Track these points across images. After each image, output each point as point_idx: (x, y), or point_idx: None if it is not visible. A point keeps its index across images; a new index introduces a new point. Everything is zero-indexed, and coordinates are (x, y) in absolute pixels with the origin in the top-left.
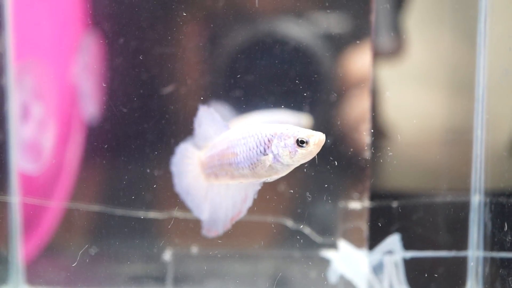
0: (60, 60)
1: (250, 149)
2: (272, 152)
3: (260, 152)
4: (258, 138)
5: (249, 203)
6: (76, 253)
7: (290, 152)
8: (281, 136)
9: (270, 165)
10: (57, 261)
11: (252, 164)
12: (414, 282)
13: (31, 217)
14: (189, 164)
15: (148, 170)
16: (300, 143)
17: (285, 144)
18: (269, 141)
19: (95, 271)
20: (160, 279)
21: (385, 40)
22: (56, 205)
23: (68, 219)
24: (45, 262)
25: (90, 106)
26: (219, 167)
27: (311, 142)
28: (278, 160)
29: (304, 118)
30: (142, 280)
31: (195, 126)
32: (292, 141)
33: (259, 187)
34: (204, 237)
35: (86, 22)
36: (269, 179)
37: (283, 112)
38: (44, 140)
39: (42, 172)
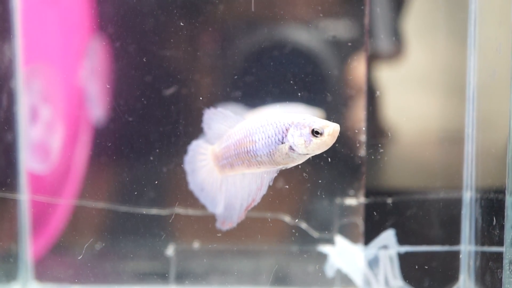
0: (67, 64)
1: (268, 137)
2: (288, 141)
3: (279, 140)
4: (276, 127)
5: (264, 190)
6: (82, 250)
7: (305, 142)
8: (297, 126)
9: (286, 153)
10: (65, 258)
11: (270, 151)
12: (409, 275)
13: (40, 215)
14: (203, 160)
15: (152, 168)
16: (315, 133)
17: (300, 134)
18: (286, 130)
19: (102, 267)
20: (164, 274)
21: (383, 43)
22: (63, 203)
23: (75, 217)
24: (53, 259)
25: (97, 108)
26: (235, 157)
27: (325, 133)
28: (293, 149)
29: (317, 113)
30: (147, 276)
31: (204, 129)
32: (308, 131)
33: (275, 174)
34: (220, 230)
35: (93, 27)
36: (285, 167)
37: (297, 106)
38: (52, 141)
39: (50, 172)
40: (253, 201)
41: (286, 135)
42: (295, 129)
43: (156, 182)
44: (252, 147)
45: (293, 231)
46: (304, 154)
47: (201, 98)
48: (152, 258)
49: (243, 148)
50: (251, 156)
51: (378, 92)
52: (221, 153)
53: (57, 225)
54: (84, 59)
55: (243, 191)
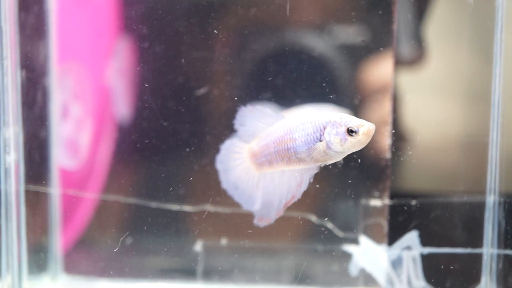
0: (96, 63)
1: (308, 135)
2: (325, 139)
3: (317, 138)
4: (315, 125)
5: (304, 187)
6: (109, 244)
7: (340, 140)
8: (334, 124)
9: (324, 151)
10: (92, 251)
11: (309, 149)
12: (431, 277)
13: (69, 209)
14: (237, 158)
15: (178, 166)
16: (350, 132)
17: (336, 132)
18: (324, 128)
19: (129, 262)
20: (191, 270)
21: (408, 49)
22: (92, 198)
23: (102, 212)
24: (81, 252)
25: (124, 107)
26: (275, 154)
27: (360, 132)
28: (330, 147)
29: (348, 112)
30: (174, 271)
31: (237, 126)
32: (343, 130)
33: (316, 171)
34: (257, 226)
35: (120, 28)
36: (324, 164)
37: (329, 106)
38: (81, 138)
39: (79, 168)
40: (293, 197)
41: (323, 133)
42: (332, 127)
43: (190, 179)
44: (292, 144)
45: (320, 230)
46: (341, 152)
47: (233, 99)
48: (180, 253)
49: (284, 146)
50: (291, 153)
51: (408, 97)
52: (260, 151)
53: (84, 219)
54: (112, 59)
55: (282, 188)
